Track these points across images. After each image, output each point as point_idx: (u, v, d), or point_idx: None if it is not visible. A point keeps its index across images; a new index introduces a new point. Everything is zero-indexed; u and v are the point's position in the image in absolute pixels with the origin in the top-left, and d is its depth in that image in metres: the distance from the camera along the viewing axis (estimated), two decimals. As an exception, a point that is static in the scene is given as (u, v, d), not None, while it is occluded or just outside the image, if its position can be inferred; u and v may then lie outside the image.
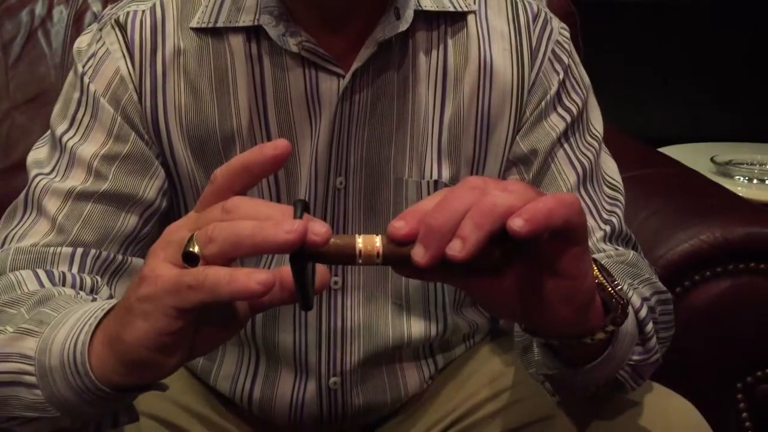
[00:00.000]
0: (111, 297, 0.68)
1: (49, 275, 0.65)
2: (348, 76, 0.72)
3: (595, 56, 1.14)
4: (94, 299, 0.63)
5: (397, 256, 0.46)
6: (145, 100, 0.73)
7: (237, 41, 0.73)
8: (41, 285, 0.64)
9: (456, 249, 0.45)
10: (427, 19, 0.75)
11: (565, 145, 0.76)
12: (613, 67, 1.95)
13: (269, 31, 0.72)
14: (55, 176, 0.71)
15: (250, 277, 0.44)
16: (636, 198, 1.05)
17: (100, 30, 0.75)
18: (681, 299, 0.97)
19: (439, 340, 0.83)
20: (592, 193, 0.77)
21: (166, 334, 0.47)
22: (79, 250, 0.69)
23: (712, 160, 1.84)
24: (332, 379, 0.79)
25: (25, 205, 0.71)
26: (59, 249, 0.68)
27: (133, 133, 0.73)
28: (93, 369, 0.51)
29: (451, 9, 0.75)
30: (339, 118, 0.73)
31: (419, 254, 0.46)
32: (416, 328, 0.80)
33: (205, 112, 0.74)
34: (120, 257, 0.71)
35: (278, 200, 0.75)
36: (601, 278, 0.55)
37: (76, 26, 1.22)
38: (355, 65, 0.72)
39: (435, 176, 0.76)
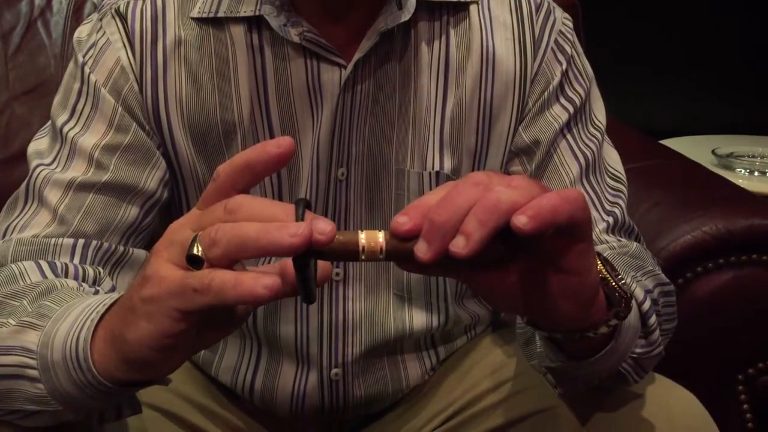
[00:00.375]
0: (113, 288, 0.68)
1: (52, 266, 0.65)
2: (350, 66, 0.72)
3: (596, 49, 1.13)
4: (97, 291, 0.63)
5: (400, 252, 0.46)
6: (145, 90, 0.73)
7: (238, 31, 0.73)
8: (44, 276, 0.64)
9: (459, 246, 0.45)
10: (429, 9, 0.75)
11: (568, 136, 0.76)
12: (614, 59, 1.94)
13: (270, 21, 0.71)
14: (56, 167, 0.71)
15: (256, 282, 0.44)
16: (638, 190, 1.05)
17: (101, 20, 0.74)
18: (683, 291, 0.97)
19: (440, 332, 0.82)
20: (594, 185, 0.76)
21: (169, 335, 0.47)
22: (81, 242, 0.69)
23: (713, 152, 1.84)
24: (333, 371, 0.79)
25: (26, 196, 0.71)
26: (60, 240, 0.68)
27: (134, 124, 0.72)
28: (95, 365, 0.51)
29: (454, -1, 0.75)
30: (341, 109, 0.73)
31: (422, 250, 0.46)
32: (418, 319, 0.80)
33: (206, 102, 0.73)
34: (121, 248, 0.71)
35: (279, 191, 0.75)
36: (605, 272, 0.55)
37: (76, 16, 1.22)
38: (357, 56, 0.71)
39: (437, 167, 0.76)
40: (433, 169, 0.76)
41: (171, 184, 0.75)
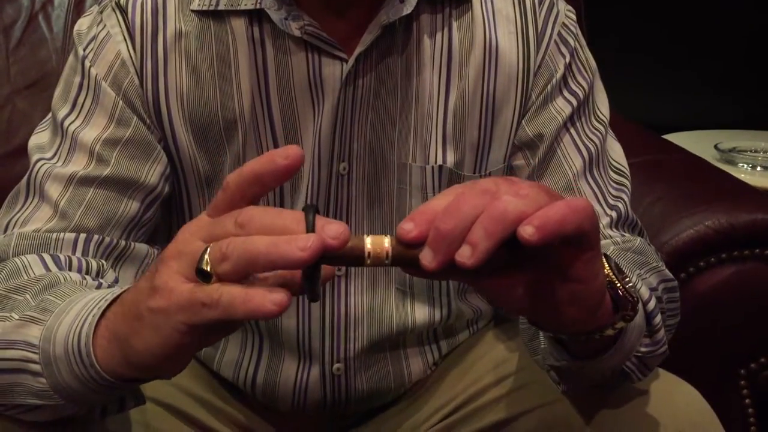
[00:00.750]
0: (116, 280, 0.68)
1: (55, 259, 0.65)
2: (351, 60, 0.71)
3: (598, 43, 1.13)
4: (100, 284, 0.63)
5: (405, 258, 0.46)
6: (146, 83, 0.72)
7: (239, 24, 0.73)
8: (47, 269, 0.64)
9: (465, 256, 0.45)
10: (431, 2, 0.74)
11: (571, 130, 0.76)
12: (616, 53, 1.93)
13: (271, 14, 0.71)
14: (57, 161, 0.71)
15: (265, 298, 0.44)
16: (641, 184, 1.04)
17: (101, 12, 0.74)
18: (685, 285, 0.97)
19: (442, 326, 0.82)
20: (598, 178, 0.76)
21: (175, 347, 0.47)
22: (82, 236, 0.68)
23: (715, 147, 1.83)
24: (336, 365, 0.79)
25: (27, 191, 0.71)
26: (62, 235, 0.68)
27: (135, 117, 0.72)
28: (98, 361, 0.51)
29: (456, -8, 0.75)
30: (342, 103, 0.72)
31: (428, 258, 0.45)
32: (420, 314, 0.80)
33: (206, 95, 0.73)
34: (123, 243, 0.71)
35: (281, 186, 0.75)
36: (612, 276, 0.54)
37: (78, 10, 1.22)
38: (358, 49, 0.71)
39: (440, 161, 0.76)
40: (435, 163, 0.76)
41: (172, 178, 0.75)
